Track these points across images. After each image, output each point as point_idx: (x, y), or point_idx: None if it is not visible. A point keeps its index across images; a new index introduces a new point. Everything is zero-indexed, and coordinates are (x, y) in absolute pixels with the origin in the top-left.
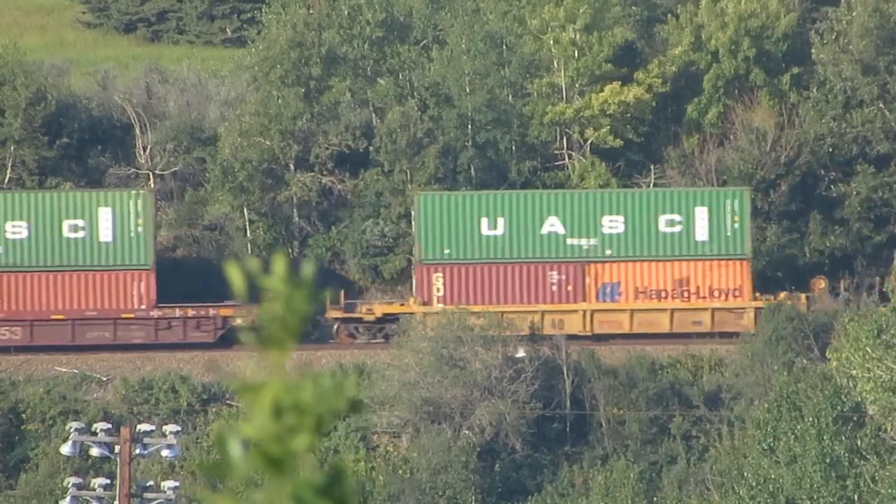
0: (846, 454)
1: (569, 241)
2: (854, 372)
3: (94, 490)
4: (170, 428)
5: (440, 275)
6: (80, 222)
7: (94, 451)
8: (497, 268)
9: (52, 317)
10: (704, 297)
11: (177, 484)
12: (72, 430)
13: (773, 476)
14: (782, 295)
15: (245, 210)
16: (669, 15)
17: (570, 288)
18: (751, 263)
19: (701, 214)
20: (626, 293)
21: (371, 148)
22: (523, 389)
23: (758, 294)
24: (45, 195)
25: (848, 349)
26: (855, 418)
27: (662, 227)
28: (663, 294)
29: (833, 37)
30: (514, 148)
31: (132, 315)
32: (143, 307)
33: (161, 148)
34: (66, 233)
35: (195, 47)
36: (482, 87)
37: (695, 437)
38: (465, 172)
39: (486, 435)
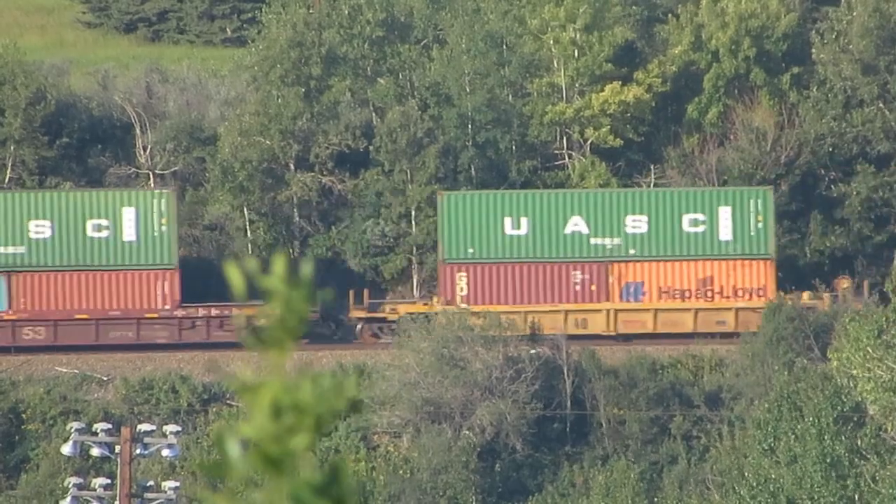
0: (846, 454)
1: (592, 240)
2: (854, 372)
3: (95, 490)
4: (170, 428)
5: (464, 274)
6: (104, 222)
7: (95, 451)
8: (521, 267)
9: (76, 316)
10: (728, 297)
11: (177, 484)
12: (72, 430)
13: (773, 476)
14: (805, 295)
15: (245, 210)
16: (670, 15)
17: (593, 287)
18: (775, 263)
19: (725, 214)
20: (650, 293)
21: (371, 148)
22: (524, 389)
23: (781, 294)
24: (69, 195)
25: (848, 349)
26: (855, 418)
27: (686, 227)
28: (687, 294)
29: (833, 36)
30: (514, 148)
31: (156, 315)
32: (166, 307)
33: (161, 148)
34: (89, 232)
35: (195, 47)
36: (482, 86)
37: (695, 437)
38: (465, 172)
39: (487, 435)
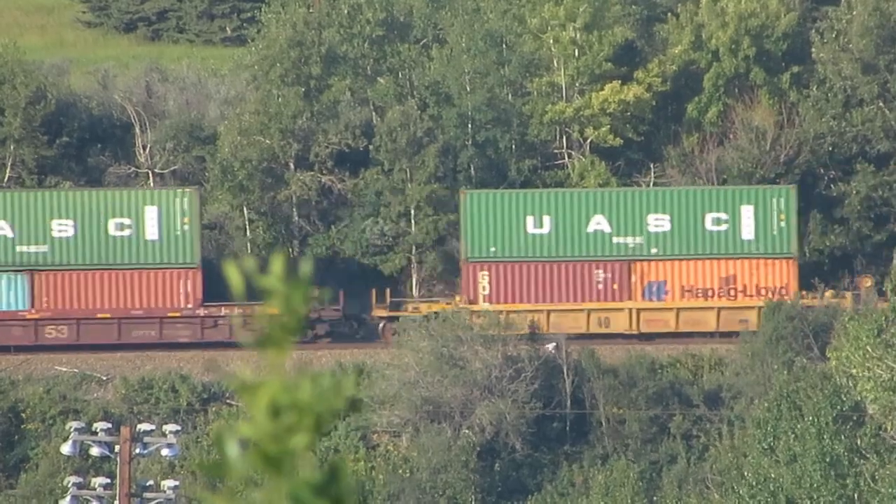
0: (846, 453)
1: (615, 239)
2: (854, 371)
3: (95, 489)
4: (170, 427)
5: (486, 273)
6: (127, 220)
7: (94, 451)
8: (543, 266)
9: (99, 315)
10: (751, 296)
11: (177, 483)
12: (72, 429)
13: (772, 475)
14: (828, 294)
15: (245, 209)
16: (669, 14)
17: (615, 286)
18: (797, 262)
19: (747, 213)
20: (673, 292)
21: (371, 147)
22: (523, 389)
23: (804, 293)
24: (92, 193)
25: (848, 348)
26: (855, 417)
27: (708, 226)
28: (710, 293)
29: (833, 36)
30: (513, 147)
31: (178, 314)
32: (189, 306)
33: (161, 147)
34: (112, 231)
35: (195, 46)
36: (482, 86)
37: (695, 436)
38: (464, 171)
39: (486, 434)
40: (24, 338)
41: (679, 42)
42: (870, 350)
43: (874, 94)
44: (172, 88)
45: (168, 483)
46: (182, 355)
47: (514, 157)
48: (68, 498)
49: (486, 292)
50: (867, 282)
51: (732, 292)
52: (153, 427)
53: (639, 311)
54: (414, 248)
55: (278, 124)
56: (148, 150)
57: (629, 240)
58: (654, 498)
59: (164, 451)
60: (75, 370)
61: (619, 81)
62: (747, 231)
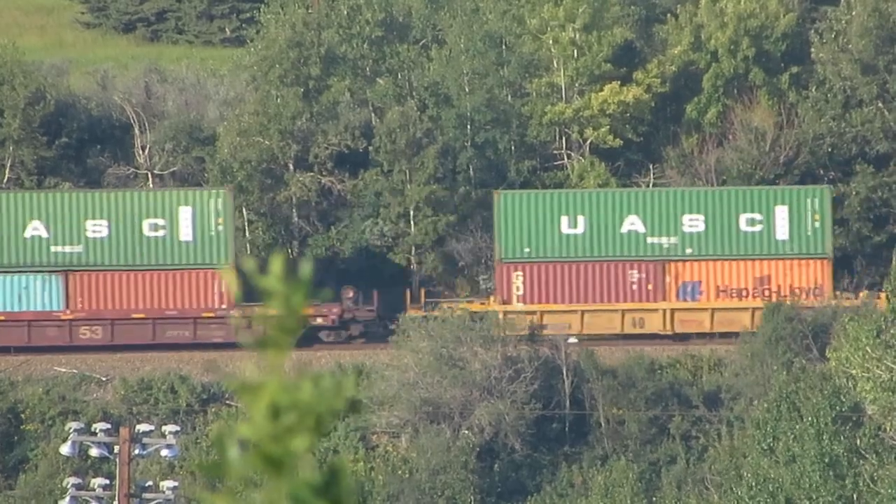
0: (845, 454)
1: (649, 239)
2: (853, 371)
3: (94, 490)
4: (169, 428)
5: (520, 273)
6: (161, 221)
7: (94, 452)
8: (577, 266)
9: (133, 316)
10: (785, 296)
11: (176, 484)
12: (71, 430)
13: (772, 476)
14: (863, 294)
15: (244, 210)
16: (669, 15)
17: (650, 287)
18: (832, 262)
19: (781, 213)
20: (707, 292)
21: (370, 148)
22: (522, 389)
23: (838, 293)
24: (126, 194)
25: (847, 349)
26: (854, 418)
27: (743, 226)
28: (744, 293)
29: (832, 36)
30: (513, 148)
31: (212, 314)
32: (223, 306)
33: (160, 148)
34: (146, 232)
35: (194, 47)
36: (481, 86)
37: (694, 437)
38: (464, 172)
39: (486, 435)
40: (58, 338)
41: (678, 43)
42: (869, 351)
43: (873, 95)
44: (171, 89)
45: (167, 484)
46: (181, 356)
47: (513, 158)
48: (67, 499)
49: (520, 293)
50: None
51: (767, 293)
52: (152, 428)
53: (673, 311)
54: (413, 248)
55: (277, 125)
56: (147, 150)
57: (664, 240)
58: (654, 499)
59: (164, 452)
60: (74, 371)
61: (619, 82)
62: (781, 231)
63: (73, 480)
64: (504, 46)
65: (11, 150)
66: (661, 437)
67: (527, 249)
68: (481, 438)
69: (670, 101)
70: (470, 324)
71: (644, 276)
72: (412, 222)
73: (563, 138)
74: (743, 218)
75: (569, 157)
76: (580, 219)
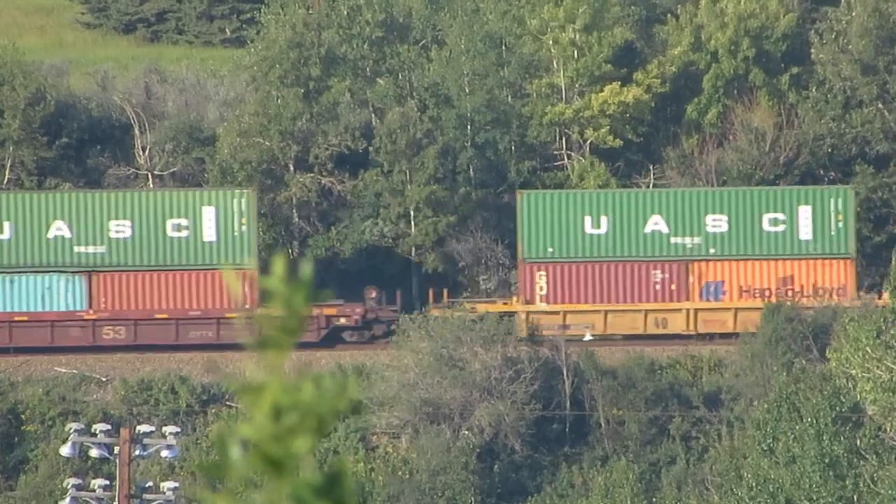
0: (845, 454)
1: (672, 239)
2: (853, 372)
3: (94, 491)
4: (169, 429)
5: (543, 273)
6: (184, 221)
7: (94, 452)
8: (600, 266)
9: (156, 316)
10: (808, 297)
11: (176, 485)
12: (71, 431)
13: (772, 476)
14: (887, 294)
15: None
16: (669, 15)
17: (673, 287)
18: (855, 263)
19: (804, 213)
20: (730, 292)
21: (370, 148)
22: (522, 390)
23: (861, 293)
24: (149, 194)
25: (847, 349)
26: (854, 419)
27: (766, 226)
28: (767, 293)
29: (832, 37)
30: (513, 148)
31: (236, 314)
32: (246, 306)
33: (160, 148)
34: (169, 232)
35: (194, 47)
36: (481, 87)
37: (694, 437)
38: (464, 173)
39: (486, 436)
40: (81, 338)
41: (678, 43)
42: (869, 351)
43: (873, 96)
44: (172, 90)
45: (167, 484)
46: (182, 356)
47: (513, 159)
48: (68, 499)
49: (544, 292)
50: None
51: (790, 293)
52: (153, 428)
53: (696, 311)
54: (413, 249)
55: (278, 126)
56: (147, 151)
57: (687, 240)
58: (654, 499)
59: (164, 453)
60: (74, 371)
61: (619, 83)
62: (805, 231)
63: (73, 481)
64: (504, 47)
65: (11, 151)
66: (661, 437)
67: (550, 249)
68: (481, 439)
69: (670, 102)
70: (470, 324)
71: (667, 276)
72: (412, 223)
73: (564, 139)
74: (766, 218)
75: (569, 157)
76: (603, 219)
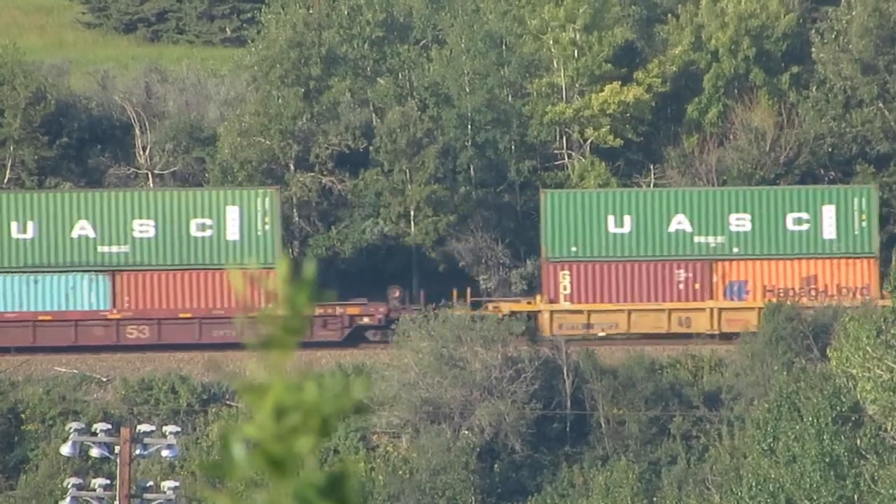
0: (846, 454)
1: (696, 238)
2: (854, 371)
3: (94, 490)
4: (170, 428)
5: (567, 273)
6: (208, 221)
7: (94, 452)
8: (624, 266)
9: (180, 315)
10: (832, 296)
11: (177, 484)
12: (71, 430)
13: (772, 476)
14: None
15: None
16: (669, 15)
17: (697, 286)
18: (879, 262)
19: (828, 213)
20: (754, 291)
21: (371, 148)
22: (523, 390)
23: (885, 293)
24: (173, 193)
25: (848, 348)
26: (854, 418)
27: (790, 226)
28: (791, 292)
29: (833, 36)
30: (513, 148)
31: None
32: (272, 305)
33: (160, 148)
34: (193, 231)
35: (195, 47)
36: (482, 87)
37: (695, 437)
38: (464, 172)
39: (486, 435)
40: (105, 338)
41: (679, 43)
42: (870, 350)
43: (874, 95)
44: (172, 89)
45: (168, 484)
46: (182, 356)
47: (513, 158)
48: (68, 499)
49: (567, 292)
50: None
51: (814, 292)
52: (153, 428)
53: (720, 310)
54: (414, 248)
55: (278, 125)
56: (148, 151)
57: (710, 239)
58: (654, 499)
59: (164, 452)
60: (75, 371)
61: (619, 82)
62: (828, 231)
63: (73, 481)
64: (504, 47)
65: (12, 150)
66: (661, 437)
67: (574, 249)
68: (482, 439)
69: (671, 101)
70: (470, 324)
71: (691, 275)
72: (412, 222)
73: (564, 138)
74: (790, 217)
75: (569, 157)
76: (627, 218)
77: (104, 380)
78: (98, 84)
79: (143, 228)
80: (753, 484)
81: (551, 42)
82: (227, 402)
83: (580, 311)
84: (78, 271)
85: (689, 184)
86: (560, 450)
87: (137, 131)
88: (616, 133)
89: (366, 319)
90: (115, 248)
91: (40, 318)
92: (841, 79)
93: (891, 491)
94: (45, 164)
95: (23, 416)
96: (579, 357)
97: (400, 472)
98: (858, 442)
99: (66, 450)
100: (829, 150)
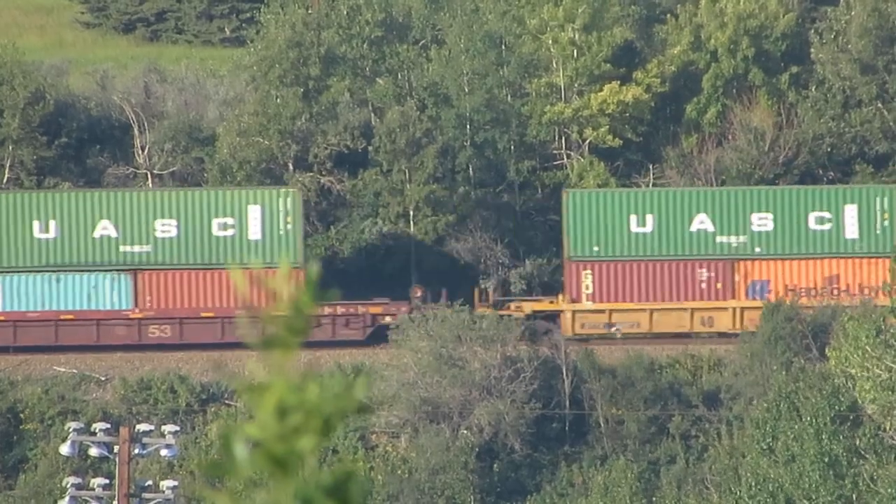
0: (845, 453)
1: (718, 238)
2: (853, 371)
3: (93, 490)
4: (168, 428)
5: (589, 272)
6: (230, 220)
7: (93, 451)
8: (646, 265)
9: (202, 315)
10: (854, 295)
11: (175, 484)
12: (70, 430)
13: (771, 475)
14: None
15: None
16: (668, 15)
17: (719, 285)
18: None
19: (850, 212)
20: (776, 291)
21: (370, 148)
22: (522, 389)
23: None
24: (195, 193)
25: (847, 348)
26: (853, 417)
27: (812, 225)
28: (813, 292)
29: (832, 36)
30: (512, 148)
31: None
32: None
33: (159, 148)
34: (215, 231)
35: (194, 47)
36: (481, 86)
37: (694, 436)
38: (463, 172)
39: (485, 435)
40: (127, 337)
41: (678, 43)
42: (869, 350)
43: (873, 95)
44: (171, 89)
45: (167, 483)
46: (181, 356)
47: (512, 158)
48: (67, 498)
49: (590, 291)
50: None
51: (836, 291)
52: (152, 427)
53: (742, 309)
54: (413, 248)
55: (277, 125)
56: (147, 151)
57: (732, 239)
58: (653, 498)
59: (163, 452)
60: (74, 370)
61: (618, 82)
62: (851, 230)
63: (72, 480)
64: (504, 46)
65: (11, 150)
66: (660, 436)
67: (596, 248)
68: (481, 438)
69: (670, 101)
70: (470, 324)
71: (713, 274)
72: (412, 222)
73: (563, 138)
74: (812, 217)
75: (568, 156)
76: (649, 217)
77: (103, 379)
78: (97, 84)
79: (165, 228)
80: (752, 483)
81: (550, 42)
82: (227, 402)
83: (602, 311)
84: (100, 271)
85: (688, 184)
86: (559, 449)
87: (136, 131)
88: (615, 133)
89: (388, 319)
90: (136, 248)
91: (62, 317)
92: (840, 79)
93: (889, 490)
94: (44, 164)
95: (22, 415)
96: (578, 357)
97: (399, 472)
98: (857, 441)
99: (65, 449)
100: (828, 150)
